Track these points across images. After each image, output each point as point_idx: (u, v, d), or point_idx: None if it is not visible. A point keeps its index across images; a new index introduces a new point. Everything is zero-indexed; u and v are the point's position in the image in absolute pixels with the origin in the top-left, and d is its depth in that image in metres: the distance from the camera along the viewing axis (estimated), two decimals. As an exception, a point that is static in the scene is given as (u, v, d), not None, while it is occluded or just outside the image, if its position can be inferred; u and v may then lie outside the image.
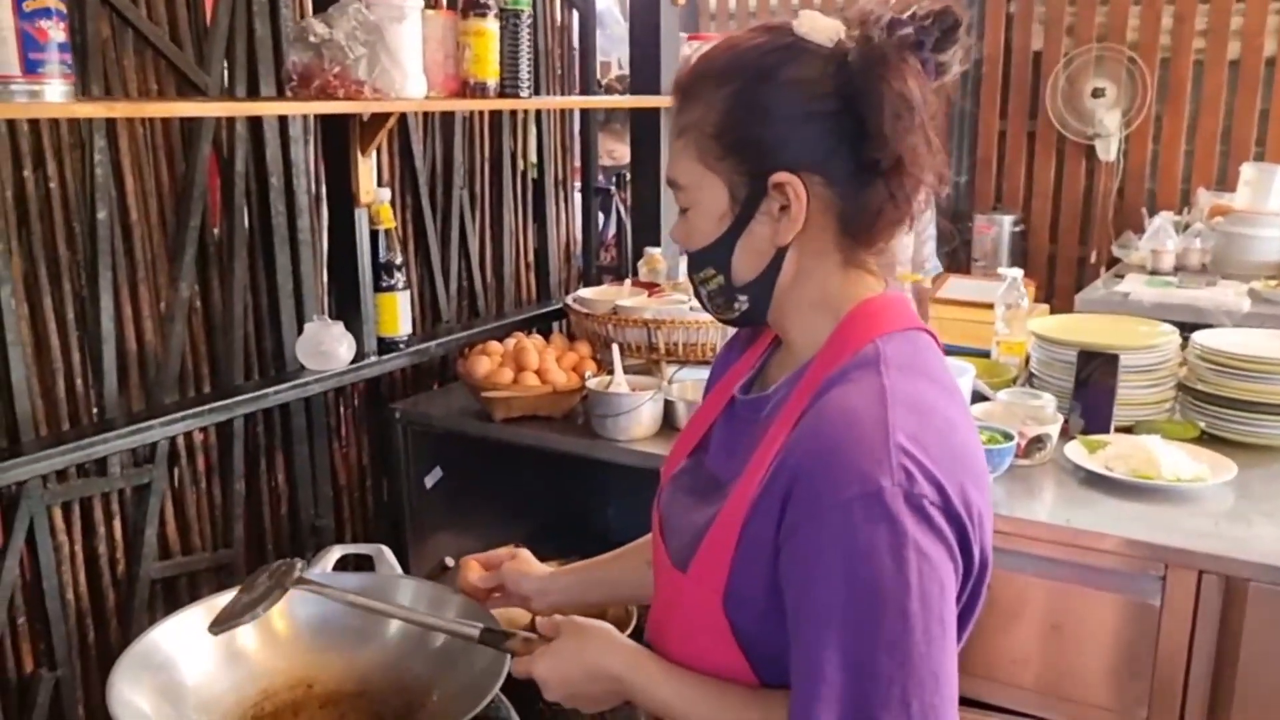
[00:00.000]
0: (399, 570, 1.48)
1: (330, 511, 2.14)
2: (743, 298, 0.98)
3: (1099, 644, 1.58)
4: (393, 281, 2.05)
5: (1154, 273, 3.52)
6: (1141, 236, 3.80)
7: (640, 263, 2.58)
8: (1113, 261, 4.15)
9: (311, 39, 1.62)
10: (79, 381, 1.71)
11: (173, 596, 1.86)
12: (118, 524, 1.77)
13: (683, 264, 2.80)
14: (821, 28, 0.92)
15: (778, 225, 0.93)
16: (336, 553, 1.50)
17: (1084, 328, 2.12)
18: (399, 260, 2.06)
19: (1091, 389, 1.90)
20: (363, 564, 1.55)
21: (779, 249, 0.94)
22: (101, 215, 1.69)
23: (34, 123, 1.59)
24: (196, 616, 1.26)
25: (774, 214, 0.93)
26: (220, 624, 1.15)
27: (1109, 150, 4.55)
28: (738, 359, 1.12)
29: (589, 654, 1.03)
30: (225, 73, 1.86)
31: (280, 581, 1.15)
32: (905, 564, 0.80)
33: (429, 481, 2.21)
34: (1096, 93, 4.56)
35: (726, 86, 0.93)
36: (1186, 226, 3.75)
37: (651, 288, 2.39)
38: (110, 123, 1.68)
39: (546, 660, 1.05)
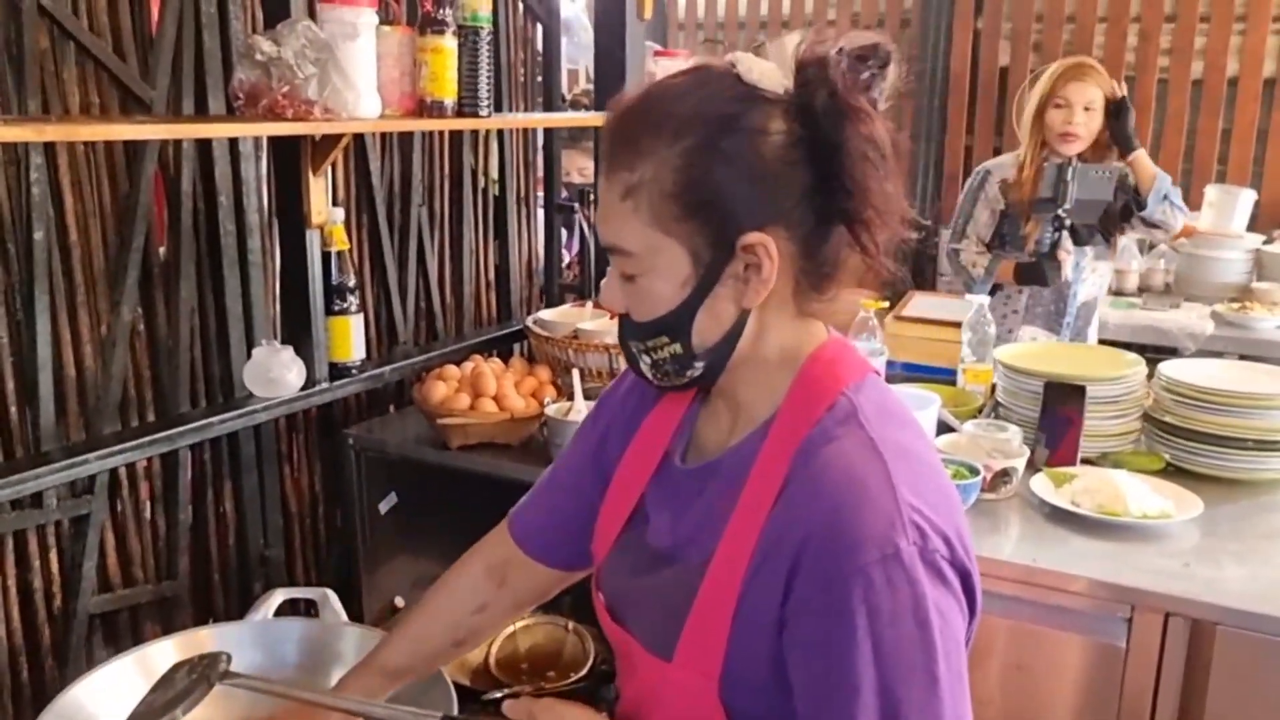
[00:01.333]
0: (344, 616, 1.42)
1: (280, 541, 2.07)
2: (699, 364, 0.91)
3: (1063, 686, 1.55)
4: (345, 305, 1.99)
5: (1118, 294, 3.53)
6: (1106, 256, 3.81)
7: (603, 282, 2.53)
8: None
9: (259, 57, 1.56)
10: (13, 410, 1.63)
11: (113, 632, 1.79)
12: (54, 557, 1.69)
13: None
14: (770, 71, 0.86)
15: (745, 287, 0.87)
16: (279, 597, 1.44)
17: (1050, 356, 2.10)
18: (352, 283, 2.00)
19: (1058, 421, 1.87)
20: (309, 608, 1.49)
21: (744, 310, 0.88)
22: (38, 236, 1.62)
23: (-36, 140, 1.52)
24: (124, 669, 1.20)
25: (740, 275, 0.87)
26: None
27: (1074, 168, 4.55)
28: (646, 415, 1.04)
29: None
30: (171, 87, 1.79)
31: (205, 676, 1.06)
32: (929, 627, 0.79)
33: (383, 508, 2.15)
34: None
35: (684, 139, 0.84)
36: (1151, 247, 3.77)
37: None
38: (48, 140, 1.61)
39: None
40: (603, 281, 0.95)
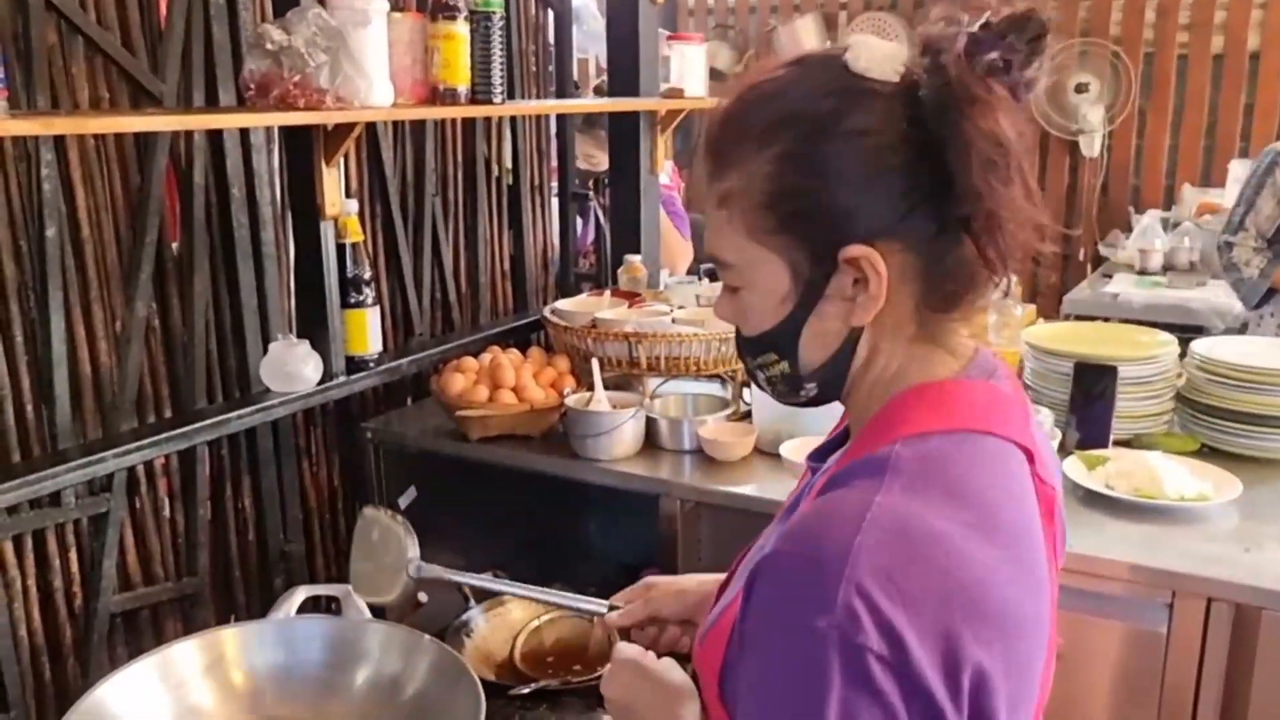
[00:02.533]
0: (367, 613, 1.40)
1: (300, 536, 2.05)
2: (810, 385, 0.84)
3: (1103, 674, 1.51)
4: (361, 297, 1.96)
5: (1142, 272, 3.48)
6: (1128, 234, 3.76)
7: (620, 271, 2.50)
8: (1099, 260, 4.10)
9: (269, 46, 1.53)
10: (29, 408, 1.61)
11: (134, 630, 1.77)
12: (74, 556, 1.67)
13: (664, 274, 2.75)
14: (882, 58, 0.76)
15: (853, 304, 0.78)
16: (301, 594, 1.42)
17: (1080, 337, 2.05)
18: (368, 275, 1.97)
19: (1089, 402, 1.83)
20: (330, 604, 1.46)
21: (854, 329, 0.80)
22: (50, 232, 1.60)
23: (-26, 136, 1.50)
24: (146, 670, 1.18)
25: (847, 291, 0.78)
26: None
27: (1093, 146, 4.50)
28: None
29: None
30: (181, 80, 1.77)
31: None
32: (822, 716, 0.67)
33: (403, 502, 2.13)
34: (1080, 88, 4.51)
35: (773, 145, 0.77)
36: (1174, 224, 3.71)
37: (632, 298, 2.31)
38: (58, 135, 1.59)
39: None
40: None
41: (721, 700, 0.82)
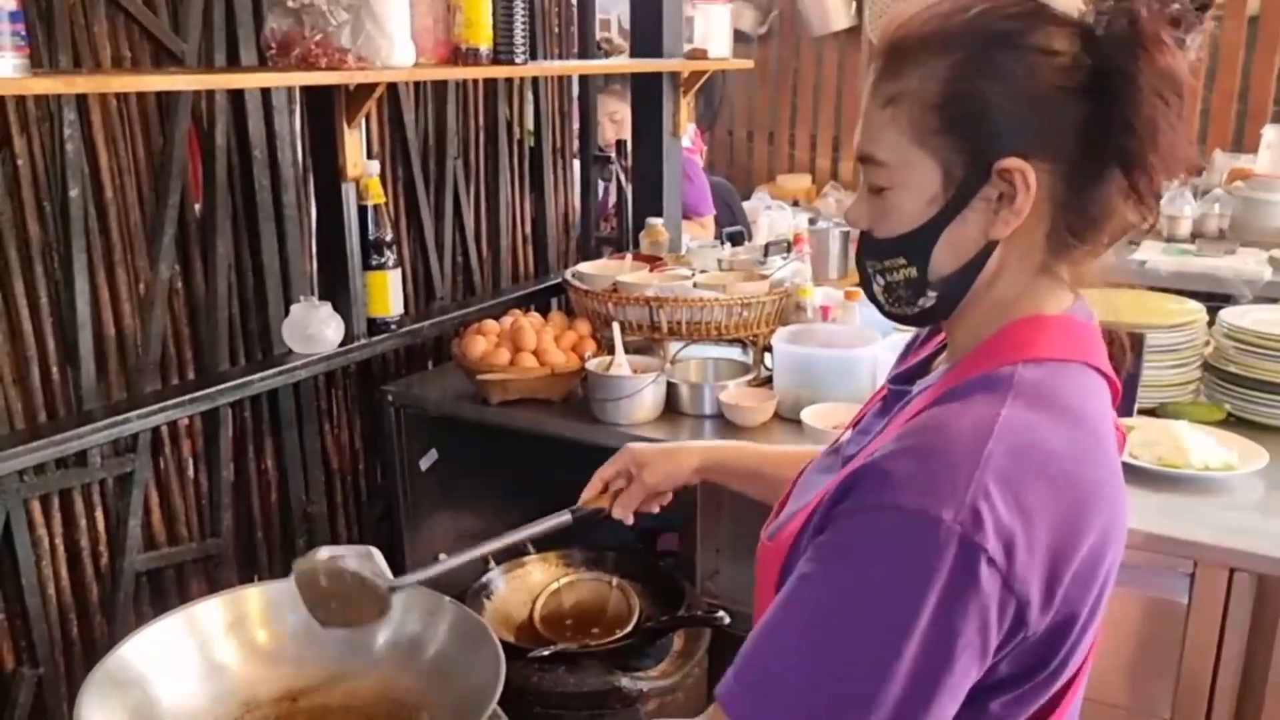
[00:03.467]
0: (389, 574, 1.41)
1: (322, 497, 2.07)
2: (932, 294, 0.85)
3: (1121, 642, 1.51)
4: (383, 260, 1.96)
5: (1170, 239, 3.42)
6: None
7: (642, 234, 2.49)
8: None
9: (290, 4, 1.52)
10: (55, 370, 1.63)
11: (159, 589, 1.80)
12: (99, 515, 1.70)
13: (686, 237, 2.74)
14: None
15: (995, 216, 0.80)
16: (324, 555, 1.42)
17: (1106, 304, 2.02)
18: (389, 237, 1.97)
19: (1115, 370, 1.81)
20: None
21: (989, 242, 0.82)
22: (74, 193, 1.60)
23: (-2, 96, 1.50)
24: (172, 627, 1.19)
25: (992, 202, 0.80)
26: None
27: (1123, 110, 4.41)
28: (920, 346, 1.02)
29: None
30: (203, 39, 1.76)
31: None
32: (923, 604, 0.69)
33: (424, 464, 2.14)
34: (1112, 50, 4.41)
35: (956, 52, 0.79)
36: (1205, 191, 3.65)
37: (653, 262, 2.30)
38: (80, 95, 1.59)
39: None
40: (853, 199, 0.91)
41: (778, 590, 0.83)
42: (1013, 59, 0.78)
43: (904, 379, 0.95)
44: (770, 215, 3.78)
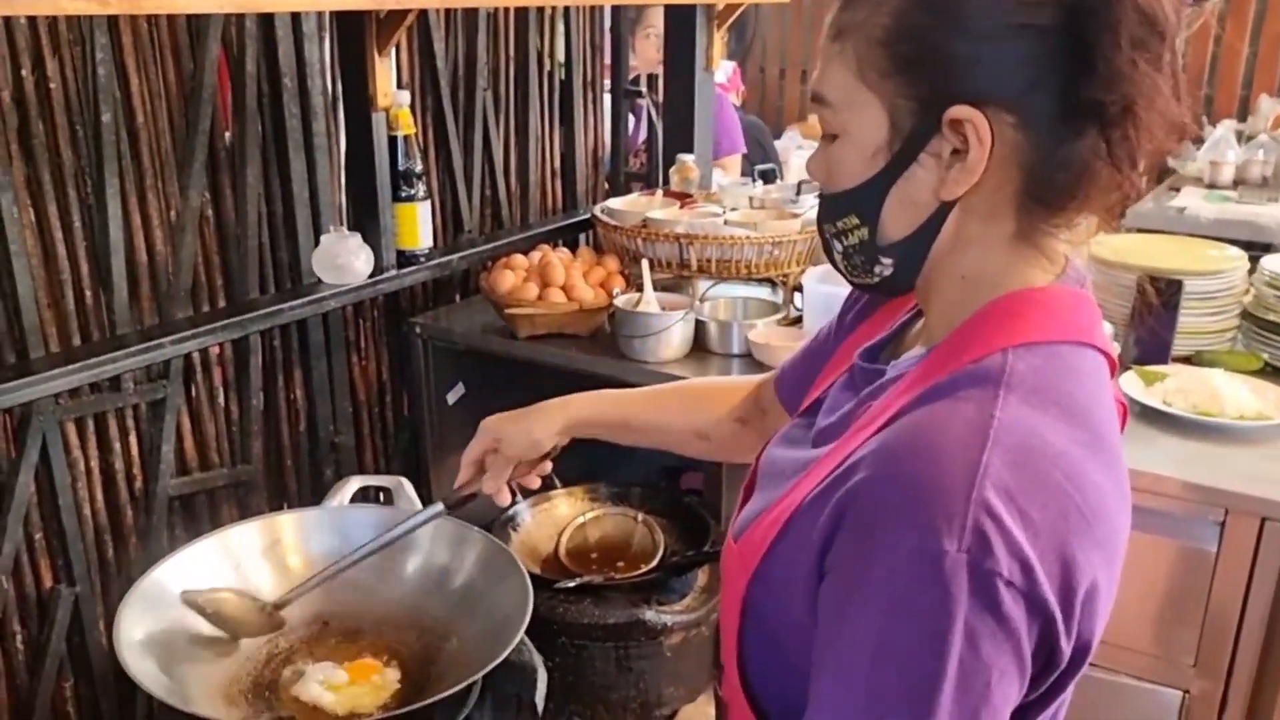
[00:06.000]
0: (418, 504, 1.42)
1: (350, 427, 2.08)
2: (887, 260, 0.77)
3: (1148, 589, 1.51)
4: (413, 191, 1.95)
5: (1212, 186, 3.35)
6: (1199, 147, 3.61)
7: (672, 170, 2.46)
8: (1166, 172, 3.96)
9: (322, -73, 1.49)
10: (88, 294, 1.64)
11: (192, 514, 1.83)
12: (134, 440, 1.72)
13: (718, 174, 2.70)
14: None
15: (946, 173, 0.72)
16: (354, 484, 1.44)
17: (1146, 250, 1.99)
18: (419, 168, 1.96)
19: (1152, 317, 1.79)
20: (379, 495, 1.49)
21: (942, 203, 0.73)
22: (106, 118, 1.59)
23: (30, 18, 1.49)
24: (206, 550, 1.21)
25: (943, 158, 0.71)
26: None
27: (1167, 52, 4.30)
28: (872, 313, 0.94)
29: None
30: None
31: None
32: (946, 648, 0.62)
33: (451, 398, 2.15)
34: (1157, -11, 4.29)
35: None
36: (1249, 138, 3.56)
37: (684, 198, 2.28)
38: (112, 18, 1.57)
39: None
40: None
41: (745, 598, 0.79)
42: None
43: (874, 355, 0.87)
44: (801, 154, 3.73)
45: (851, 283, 0.83)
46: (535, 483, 1.24)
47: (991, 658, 0.63)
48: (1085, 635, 0.69)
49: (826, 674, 0.68)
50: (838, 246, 0.80)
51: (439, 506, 1.15)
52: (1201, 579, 1.46)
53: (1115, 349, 0.80)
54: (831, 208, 0.79)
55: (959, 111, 0.69)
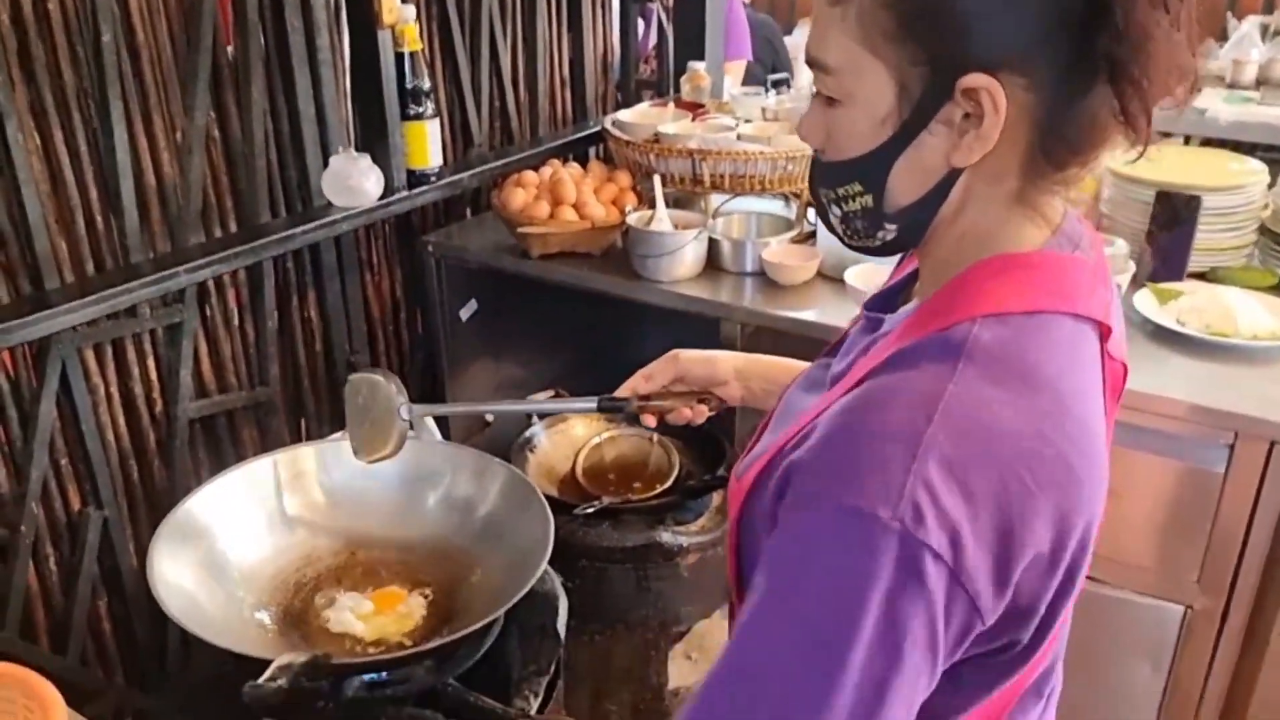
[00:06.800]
0: (438, 436, 1.45)
1: (365, 346, 2.10)
2: (891, 226, 0.75)
3: (1154, 508, 1.53)
4: (421, 109, 1.91)
5: (1233, 86, 3.27)
6: (1222, 45, 3.50)
7: (683, 79, 2.41)
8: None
9: None
10: (99, 218, 1.63)
11: (212, 435, 1.85)
12: (152, 364, 1.74)
13: (729, 82, 2.64)
14: None
15: (959, 140, 0.69)
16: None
17: (1163, 164, 1.96)
18: (427, 86, 1.92)
19: (1168, 232, 1.77)
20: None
21: (952, 169, 0.71)
22: (106, 37, 1.56)
23: (23, -66, 1.45)
24: (232, 482, 1.24)
25: (954, 124, 0.69)
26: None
27: (1193, -60, 4.14)
28: (905, 259, 0.92)
29: None
30: None
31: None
32: (863, 611, 0.62)
33: (464, 315, 2.16)
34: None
35: None
36: (1275, 33, 3.45)
37: (695, 109, 2.24)
38: (107, -68, 1.53)
39: None
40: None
41: (736, 535, 0.80)
42: None
43: (879, 304, 0.87)
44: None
45: (849, 245, 0.81)
46: (698, 419, 1.18)
47: (906, 626, 0.64)
48: (1030, 600, 0.69)
49: (746, 621, 0.68)
50: (836, 211, 0.78)
51: (592, 402, 1.14)
52: (1208, 499, 1.48)
53: (1119, 297, 0.78)
54: (832, 174, 0.76)
55: (975, 80, 0.67)
